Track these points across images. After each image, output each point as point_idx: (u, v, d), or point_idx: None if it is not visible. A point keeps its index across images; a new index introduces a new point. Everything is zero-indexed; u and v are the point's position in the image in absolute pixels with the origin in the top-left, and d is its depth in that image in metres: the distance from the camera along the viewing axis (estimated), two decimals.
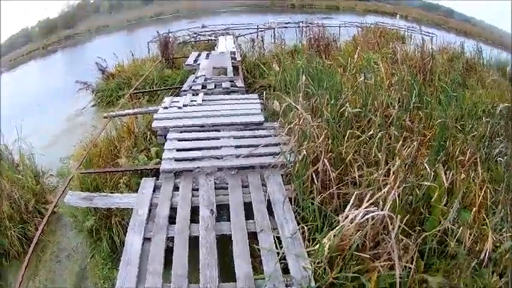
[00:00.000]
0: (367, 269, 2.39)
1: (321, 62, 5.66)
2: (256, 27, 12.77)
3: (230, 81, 6.49)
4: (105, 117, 5.74)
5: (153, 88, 7.67)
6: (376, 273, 2.31)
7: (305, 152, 3.17)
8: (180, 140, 4.44)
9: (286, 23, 13.27)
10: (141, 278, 2.56)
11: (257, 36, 10.02)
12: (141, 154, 4.77)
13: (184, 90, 6.05)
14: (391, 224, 2.29)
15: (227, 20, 16.31)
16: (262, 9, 20.90)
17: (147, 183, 3.68)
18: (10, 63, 18.97)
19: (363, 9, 20.62)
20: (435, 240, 2.63)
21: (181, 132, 4.64)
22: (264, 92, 5.72)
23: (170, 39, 9.39)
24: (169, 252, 2.80)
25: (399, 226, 2.32)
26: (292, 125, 3.59)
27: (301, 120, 3.42)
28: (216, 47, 10.08)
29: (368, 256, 2.37)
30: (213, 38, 11.96)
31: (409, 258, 2.40)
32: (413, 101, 4.21)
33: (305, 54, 6.97)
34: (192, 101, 5.52)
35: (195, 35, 12.66)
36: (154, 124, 4.84)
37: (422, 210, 2.87)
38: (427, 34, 9.63)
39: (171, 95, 6.81)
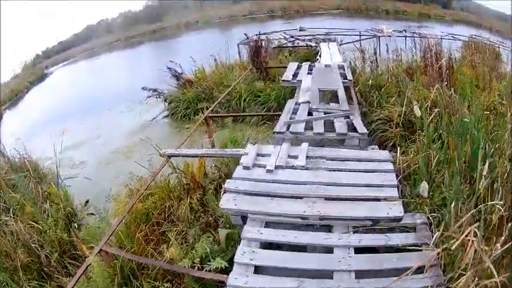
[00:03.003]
0: None
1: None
2: (358, 33, 10.83)
3: (345, 117, 4.15)
4: (161, 155, 4.03)
5: (240, 104, 6.64)
6: None
7: None
8: (263, 245, 2.53)
9: (392, 31, 11.51)
10: None
11: (360, 45, 7.83)
12: (203, 236, 2.99)
13: (278, 132, 3.85)
14: None
15: (325, 24, 14.75)
16: (359, 14, 19.86)
17: None
18: (88, 53, 19.67)
19: (452, 19, 18.29)
20: None
21: (267, 225, 2.69)
22: (398, 148, 3.44)
23: (262, 44, 7.49)
24: None
25: None
26: (454, 245, 2.01)
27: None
28: (318, 56, 7.96)
29: None
30: (313, 44, 10.00)
31: None
32: None
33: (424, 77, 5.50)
34: (289, 156, 3.30)
35: (292, 39, 10.75)
36: (224, 203, 2.82)
37: None
38: None
39: (262, 121, 5.63)
